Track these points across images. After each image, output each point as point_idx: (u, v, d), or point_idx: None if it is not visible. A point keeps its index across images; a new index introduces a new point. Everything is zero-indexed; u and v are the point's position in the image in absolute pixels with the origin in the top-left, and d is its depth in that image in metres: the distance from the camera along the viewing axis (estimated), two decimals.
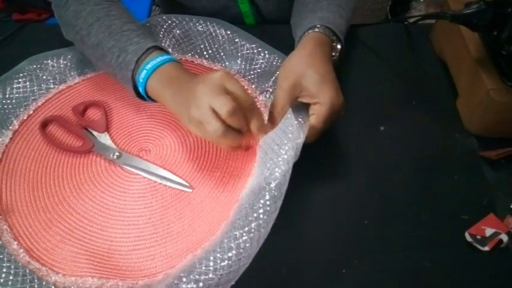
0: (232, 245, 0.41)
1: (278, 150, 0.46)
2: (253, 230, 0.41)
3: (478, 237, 0.47)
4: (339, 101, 0.50)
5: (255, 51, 0.63)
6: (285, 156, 0.44)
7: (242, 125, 0.46)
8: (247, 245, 0.41)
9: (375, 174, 0.54)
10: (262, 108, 0.58)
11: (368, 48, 0.69)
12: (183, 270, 0.42)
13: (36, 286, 0.43)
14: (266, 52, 0.63)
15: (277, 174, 0.43)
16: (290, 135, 0.46)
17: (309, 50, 0.52)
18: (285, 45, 0.63)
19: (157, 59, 0.49)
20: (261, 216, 0.41)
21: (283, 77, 0.51)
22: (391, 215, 0.50)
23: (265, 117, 0.54)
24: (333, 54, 0.57)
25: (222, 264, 0.40)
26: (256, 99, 0.59)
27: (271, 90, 0.59)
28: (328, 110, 0.49)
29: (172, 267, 0.45)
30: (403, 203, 0.51)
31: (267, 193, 0.43)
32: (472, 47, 0.56)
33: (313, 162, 0.53)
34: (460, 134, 0.57)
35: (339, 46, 0.57)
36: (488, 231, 0.47)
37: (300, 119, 0.50)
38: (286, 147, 0.45)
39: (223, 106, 0.43)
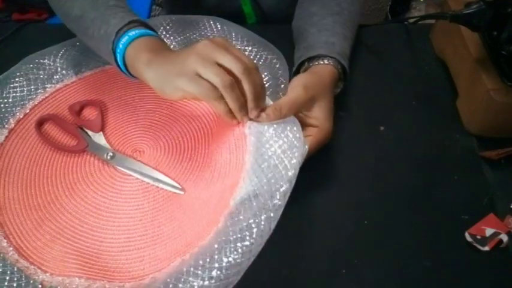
0: (223, 257, 0.41)
1: (281, 163, 0.45)
2: (247, 244, 0.41)
3: (478, 237, 0.47)
4: (331, 133, 0.52)
5: (256, 49, 0.63)
6: (290, 174, 0.44)
7: (236, 101, 0.44)
8: (238, 260, 0.40)
9: (375, 174, 0.54)
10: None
11: (368, 48, 0.69)
12: (170, 275, 0.42)
13: (23, 285, 0.43)
14: (266, 51, 0.63)
15: (277, 195, 0.43)
16: (296, 152, 0.45)
17: (327, 80, 0.54)
18: (287, 43, 0.63)
19: (138, 30, 0.48)
20: (254, 234, 0.41)
21: (305, 87, 0.50)
22: (391, 215, 0.50)
23: None
24: (334, 90, 0.57)
25: (212, 273, 0.40)
26: None
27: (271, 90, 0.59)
28: (324, 136, 0.51)
29: (159, 270, 0.44)
30: (403, 203, 0.51)
31: (264, 211, 0.42)
32: (472, 47, 0.56)
33: (312, 162, 0.53)
34: (460, 134, 0.57)
35: (341, 85, 0.58)
36: (488, 231, 0.47)
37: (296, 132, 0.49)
38: (293, 161, 0.45)
39: (217, 77, 0.42)
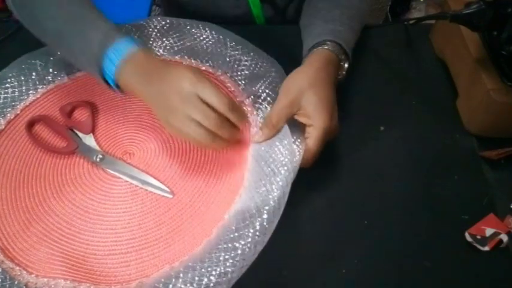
0: (214, 267, 0.41)
1: (273, 175, 0.46)
2: (237, 258, 0.42)
3: (478, 237, 0.47)
4: (331, 126, 0.50)
5: (242, 52, 0.63)
6: (280, 183, 0.45)
7: (230, 133, 0.47)
8: (229, 269, 0.41)
9: (375, 174, 0.54)
10: (250, 109, 0.57)
11: (368, 48, 0.69)
12: (158, 281, 0.42)
13: (7, 286, 0.43)
14: (255, 55, 0.63)
15: (271, 203, 0.44)
16: (286, 159, 0.47)
17: (314, 68, 0.52)
18: (291, 47, 0.63)
19: (120, 49, 0.48)
20: (249, 245, 0.42)
21: (284, 91, 0.51)
22: (391, 215, 0.50)
23: (255, 122, 0.54)
24: (339, 73, 0.56)
25: (202, 282, 0.41)
26: (243, 103, 0.58)
27: (259, 93, 0.58)
28: (321, 134, 0.49)
29: (147, 276, 0.44)
30: (403, 203, 0.51)
31: (257, 223, 0.43)
32: (472, 47, 0.56)
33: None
34: (460, 134, 0.57)
35: (346, 65, 0.57)
36: (488, 231, 0.47)
37: (298, 143, 0.49)
38: (282, 171, 0.46)
39: (207, 119, 0.44)
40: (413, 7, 1.66)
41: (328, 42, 0.55)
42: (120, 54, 0.48)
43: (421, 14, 1.61)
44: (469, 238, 0.47)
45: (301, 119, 0.51)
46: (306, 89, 0.50)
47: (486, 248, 0.46)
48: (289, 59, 0.60)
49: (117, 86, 0.50)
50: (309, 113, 0.49)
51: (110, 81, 0.50)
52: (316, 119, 0.49)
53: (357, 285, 0.45)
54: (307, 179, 0.52)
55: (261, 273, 0.45)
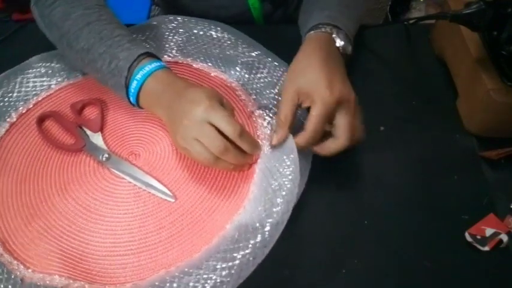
0: (210, 274, 0.41)
1: (278, 190, 0.47)
2: (235, 268, 0.42)
3: (478, 237, 0.47)
4: (331, 96, 0.46)
5: (257, 59, 0.63)
6: (286, 198, 0.46)
7: (235, 159, 0.47)
8: (225, 279, 0.41)
9: (375, 174, 0.54)
10: (260, 121, 0.57)
11: (368, 48, 0.69)
12: (152, 284, 0.42)
13: (3, 279, 0.44)
14: (268, 60, 0.62)
15: (274, 216, 0.44)
16: (293, 174, 0.47)
17: (307, 52, 0.52)
18: (293, 47, 0.63)
19: (146, 67, 0.50)
20: (247, 257, 0.42)
21: (285, 87, 0.51)
22: (391, 215, 0.50)
23: (265, 134, 0.54)
24: (339, 46, 0.54)
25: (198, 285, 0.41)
26: (253, 114, 0.58)
27: (271, 106, 0.58)
28: (319, 109, 0.46)
29: (142, 280, 0.44)
30: (403, 203, 0.51)
31: (259, 235, 0.43)
32: (472, 47, 0.56)
33: (312, 162, 0.53)
34: (460, 134, 0.57)
35: (342, 43, 0.54)
36: (488, 231, 0.47)
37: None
38: (289, 185, 0.46)
39: (211, 144, 0.45)
40: (413, 7, 1.66)
41: (321, 26, 0.55)
42: (145, 73, 0.50)
43: (421, 14, 1.61)
44: (469, 238, 0.47)
45: (305, 104, 0.49)
46: (302, 73, 0.50)
47: (486, 248, 0.46)
48: (290, 59, 0.60)
49: (138, 103, 0.52)
50: (307, 92, 0.48)
51: (131, 99, 0.52)
52: (317, 95, 0.47)
53: (357, 285, 0.45)
54: (307, 179, 0.52)
55: (262, 272, 0.45)
